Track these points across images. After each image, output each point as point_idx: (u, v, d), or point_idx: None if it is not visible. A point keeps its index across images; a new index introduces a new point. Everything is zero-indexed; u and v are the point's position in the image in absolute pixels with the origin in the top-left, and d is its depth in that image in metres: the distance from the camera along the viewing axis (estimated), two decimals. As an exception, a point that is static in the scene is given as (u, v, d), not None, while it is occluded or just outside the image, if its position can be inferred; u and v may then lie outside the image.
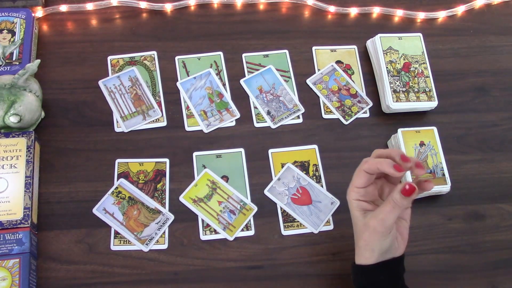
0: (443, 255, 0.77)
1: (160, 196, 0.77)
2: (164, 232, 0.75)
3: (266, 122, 0.84)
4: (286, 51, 0.90)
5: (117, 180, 0.78)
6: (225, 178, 0.79)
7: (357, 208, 0.60)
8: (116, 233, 0.74)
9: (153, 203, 0.77)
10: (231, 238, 0.75)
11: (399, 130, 0.81)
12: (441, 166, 0.80)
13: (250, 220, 0.77)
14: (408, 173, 0.77)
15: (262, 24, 0.92)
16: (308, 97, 0.87)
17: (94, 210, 0.75)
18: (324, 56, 0.90)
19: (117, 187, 0.77)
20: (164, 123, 0.82)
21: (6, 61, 0.81)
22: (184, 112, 0.84)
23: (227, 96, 0.85)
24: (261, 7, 0.94)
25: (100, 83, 0.84)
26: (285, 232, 0.77)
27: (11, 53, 0.82)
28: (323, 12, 0.94)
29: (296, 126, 0.84)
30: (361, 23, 0.94)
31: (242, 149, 0.81)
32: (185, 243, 0.75)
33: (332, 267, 0.75)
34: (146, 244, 0.74)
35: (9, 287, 0.67)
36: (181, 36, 0.89)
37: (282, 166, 0.81)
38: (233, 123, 0.84)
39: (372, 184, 0.61)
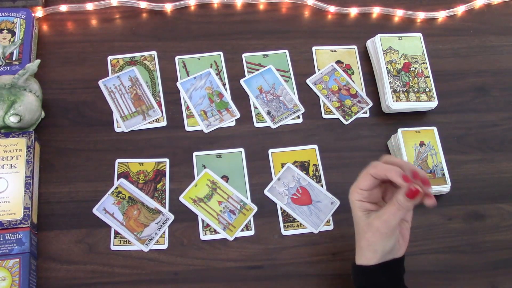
0: (443, 255, 0.77)
1: (160, 196, 0.77)
2: (164, 232, 0.75)
3: (266, 122, 0.84)
4: (286, 51, 0.90)
5: (117, 180, 0.78)
6: (225, 178, 0.79)
7: (360, 208, 0.60)
8: (116, 233, 0.74)
9: (153, 203, 0.77)
10: (231, 238, 0.75)
11: (399, 130, 0.81)
12: (441, 166, 0.80)
13: (250, 220, 0.77)
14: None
15: (262, 24, 0.92)
16: (308, 97, 0.87)
17: (94, 210, 0.75)
18: (324, 56, 0.90)
19: (117, 187, 0.77)
20: (164, 123, 0.82)
21: (6, 61, 0.81)
22: (184, 112, 0.84)
23: (227, 96, 0.85)
24: (261, 7, 0.94)
25: (100, 83, 0.84)
26: (285, 232, 0.77)
27: (11, 53, 0.82)
28: (323, 12, 0.94)
29: (296, 126, 0.84)
30: (361, 23, 0.94)
31: (242, 149, 0.81)
32: (185, 243, 0.75)
33: (332, 267, 0.75)
34: (146, 244, 0.74)
35: (9, 287, 0.67)
36: (181, 36, 0.89)
37: (282, 166, 0.81)
38: (233, 123, 0.84)
39: (376, 187, 0.61)
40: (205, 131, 0.82)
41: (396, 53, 0.87)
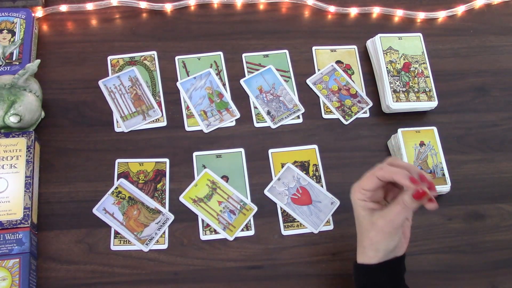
0: (443, 255, 0.77)
1: (160, 196, 0.77)
2: (164, 232, 0.75)
3: (266, 122, 0.84)
4: (286, 51, 0.90)
5: (117, 180, 0.78)
6: (225, 178, 0.79)
7: (363, 207, 0.60)
8: (116, 233, 0.74)
9: (153, 203, 0.77)
10: (231, 238, 0.75)
11: (399, 130, 0.81)
12: (441, 166, 0.80)
13: (250, 220, 0.77)
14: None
15: (262, 24, 0.92)
16: (308, 97, 0.87)
17: (94, 210, 0.75)
18: (324, 56, 0.90)
19: (117, 187, 0.77)
20: (164, 123, 0.82)
21: (6, 61, 0.81)
22: (184, 112, 0.84)
23: (227, 96, 0.85)
24: (261, 7, 0.94)
25: (100, 83, 0.84)
26: (285, 232, 0.77)
27: (11, 53, 0.82)
28: (323, 12, 0.94)
29: (296, 126, 0.84)
30: (361, 23, 0.94)
31: (242, 149, 0.81)
32: (185, 243, 0.75)
33: (332, 267, 0.75)
34: (146, 244, 0.74)
35: (9, 287, 0.67)
36: (181, 36, 0.89)
37: (282, 166, 0.81)
38: (233, 123, 0.84)
39: (380, 188, 0.61)
40: (205, 131, 0.82)
41: (396, 53, 0.87)
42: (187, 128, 0.82)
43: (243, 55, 0.89)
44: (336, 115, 0.85)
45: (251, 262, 0.74)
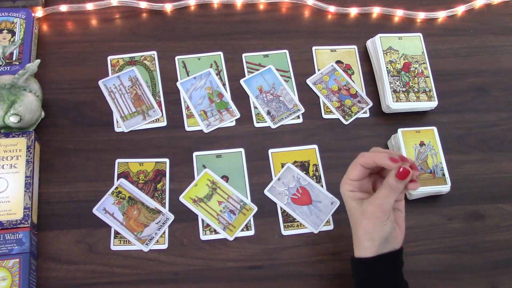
0: (443, 255, 0.77)
1: (160, 196, 0.77)
2: (164, 232, 0.75)
3: (266, 122, 0.84)
4: (286, 51, 0.90)
5: (117, 180, 0.78)
6: (225, 178, 0.79)
7: (352, 198, 0.61)
8: (116, 233, 0.74)
9: (153, 203, 0.77)
10: (231, 238, 0.75)
11: (399, 130, 0.81)
12: (441, 166, 0.80)
13: (250, 220, 0.77)
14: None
15: (262, 24, 0.92)
16: (308, 97, 0.87)
17: (94, 210, 0.75)
18: (324, 56, 0.90)
19: (117, 187, 0.77)
20: (164, 123, 0.82)
21: (6, 61, 0.81)
22: (184, 112, 0.84)
23: (227, 96, 0.85)
24: (261, 7, 0.94)
25: (100, 83, 0.84)
26: (285, 232, 0.77)
27: (11, 53, 0.82)
28: (323, 12, 0.94)
29: (296, 126, 0.84)
30: (361, 23, 0.94)
31: (242, 149, 0.81)
32: (185, 243, 0.75)
33: (332, 267, 0.75)
34: (146, 244, 0.74)
35: (9, 287, 0.67)
36: (181, 36, 0.89)
37: (282, 166, 0.81)
38: (233, 123, 0.84)
39: (366, 177, 0.61)
40: (205, 131, 0.82)
41: (396, 53, 0.87)
42: (187, 128, 0.82)
43: (243, 55, 0.89)
44: (336, 115, 0.85)
45: (251, 262, 0.74)
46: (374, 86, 0.88)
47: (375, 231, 0.59)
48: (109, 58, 0.86)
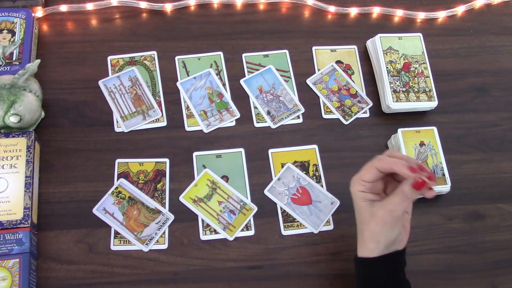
0: (443, 255, 0.77)
1: (160, 196, 0.77)
2: (164, 232, 0.75)
3: (266, 122, 0.84)
4: (286, 51, 0.90)
5: (117, 180, 0.78)
6: (225, 178, 0.79)
7: (363, 199, 0.60)
8: (116, 233, 0.74)
9: (153, 203, 0.77)
10: (231, 238, 0.75)
11: (399, 130, 0.81)
12: (441, 166, 0.80)
13: (250, 220, 0.77)
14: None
15: (262, 24, 0.92)
16: (308, 97, 0.87)
17: (94, 210, 0.75)
18: (324, 56, 0.90)
19: (117, 187, 0.77)
20: (164, 123, 0.82)
21: (6, 61, 0.81)
22: (184, 112, 0.84)
23: (227, 96, 0.85)
24: (261, 7, 0.94)
25: (100, 83, 0.84)
26: (285, 232, 0.77)
27: (11, 53, 0.82)
28: (323, 12, 0.94)
29: (296, 126, 0.84)
30: (361, 23, 0.94)
31: (242, 149, 0.81)
32: (185, 243, 0.75)
33: (332, 267, 0.75)
34: (146, 244, 0.74)
35: (9, 287, 0.67)
36: (181, 36, 0.89)
37: (282, 166, 0.81)
38: (233, 123, 0.84)
39: (379, 179, 0.61)
40: (205, 131, 0.82)
41: (396, 53, 0.87)
42: (187, 128, 0.82)
43: (243, 55, 0.89)
44: (336, 115, 0.85)
45: (251, 262, 0.74)
46: (374, 86, 0.88)
47: (382, 235, 0.58)
48: (109, 58, 0.86)
